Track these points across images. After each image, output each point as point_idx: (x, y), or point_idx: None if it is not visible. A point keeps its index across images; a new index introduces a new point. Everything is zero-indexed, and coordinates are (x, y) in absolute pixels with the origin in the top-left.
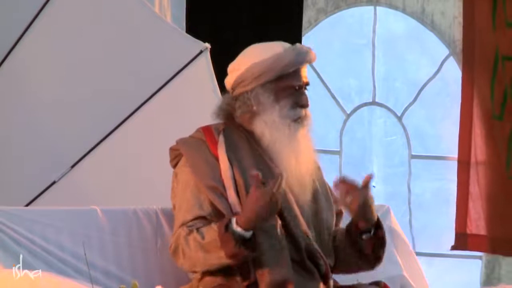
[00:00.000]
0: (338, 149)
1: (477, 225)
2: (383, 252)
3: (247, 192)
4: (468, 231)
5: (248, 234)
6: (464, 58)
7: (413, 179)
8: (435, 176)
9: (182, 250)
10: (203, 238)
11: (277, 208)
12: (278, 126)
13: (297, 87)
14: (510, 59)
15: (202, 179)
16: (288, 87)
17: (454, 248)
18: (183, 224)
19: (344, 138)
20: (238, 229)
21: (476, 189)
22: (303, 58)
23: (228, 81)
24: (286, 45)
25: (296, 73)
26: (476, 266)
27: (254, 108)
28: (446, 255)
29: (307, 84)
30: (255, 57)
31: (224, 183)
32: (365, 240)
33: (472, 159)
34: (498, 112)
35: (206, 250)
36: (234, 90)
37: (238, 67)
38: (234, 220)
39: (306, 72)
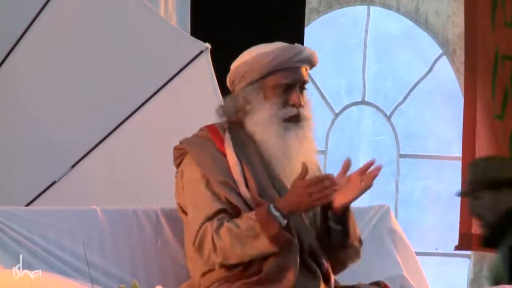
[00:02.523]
0: (323, 149)
1: None
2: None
3: (257, 186)
4: (474, 231)
5: (284, 221)
6: (466, 58)
7: (402, 178)
8: (424, 175)
9: (212, 244)
10: (237, 227)
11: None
12: (268, 125)
13: (285, 85)
14: (509, 58)
15: (212, 174)
16: (276, 86)
17: (458, 248)
18: (207, 218)
19: (332, 137)
20: (277, 213)
21: None
22: (291, 56)
23: (228, 82)
24: (281, 44)
25: (288, 71)
26: (465, 265)
27: (246, 107)
28: (434, 253)
29: (304, 82)
30: (243, 57)
31: (235, 178)
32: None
33: None
34: (500, 112)
35: (242, 241)
36: (234, 91)
37: (232, 68)
38: (272, 205)
39: (304, 71)
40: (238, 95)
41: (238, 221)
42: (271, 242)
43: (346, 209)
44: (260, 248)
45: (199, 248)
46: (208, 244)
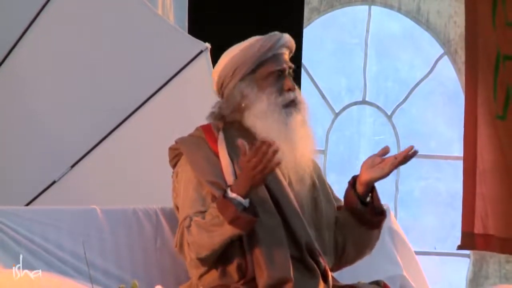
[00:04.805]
0: (323, 148)
1: (484, 224)
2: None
3: None
4: (476, 231)
5: (246, 201)
6: (467, 58)
7: (402, 178)
8: (424, 175)
9: (186, 241)
10: (203, 218)
11: (265, 173)
12: (269, 115)
13: (278, 72)
14: (510, 58)
15: (203, 175)
16: (269, 74)
17: (460, 247)
18: (184, 219)
19: (332, 137)
20: (234, 195)
21: (483, 189)
22: (272, 43)
23: (215, 88)
24: (258, 37)
25: (274, 58)
26: (464, 264)
27: (242, 104)
28: (434, 253)
29: (291, 68)
30: (227, 55)
31: (226, 179)
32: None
33: (478, 159)
34: (501, 112)
35: (209, 230)
36: (223, 94)
37: (215, 73)
38: (228, 188)
39: (287, 57)
40: (233, 94)
41: (206, 213)
42: (231, 224)
43: (371, 188)
44: (225, 233)
45: (180, 249)
46: (184, 243)
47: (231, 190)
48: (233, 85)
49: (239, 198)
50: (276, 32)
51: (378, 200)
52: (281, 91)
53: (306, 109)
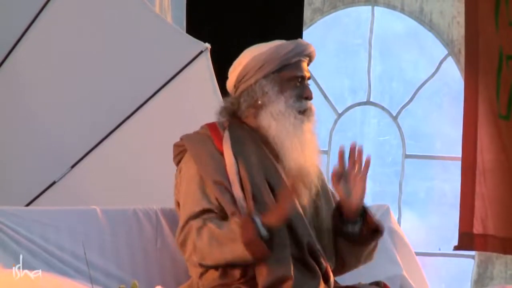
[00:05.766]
0: (327, 149)
1: (484, 225)
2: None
3: (252, 187)
4: (475, 231)
5: (264, 231)
6: (467, 58)
7: (407, 179)
8: (429, 175)
9: (193, 242)
10: (219, 228)
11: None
12: (285, 116)
13: (300, 79)
14: None
15: (208, 173)
16: (291, 78)
17: (457, 248)
18: (191, 216)
19: (335, 137)
20: (258, 220)
21: (483, 189)
22: (303, 48)
23: (230, 82)
24: (283, 40)
25: (298, 64)
26: (468, 265)
27: (259, 101)
28: (438, 254)
29: (309, 78)
30: (255, 51)
31: (229, 178)
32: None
33: (478, 159)
34: (505, 112)
35: (221, 243)
36: (238, 88)
37: (238, 65)
38: (257, 214)
39: (307, 66)
40: (253, 89)
41: (221, 222)
42: (245, 246)
43: (363, 210)
44: (236, 251)
45: (182, 245)
46: (190, 242)
47: (258, 216)
48: (254, 80)
49: (260, 225)
50: (302, 39)
51: (371, 218)
52: (299, 97)
53: (315, 120)
